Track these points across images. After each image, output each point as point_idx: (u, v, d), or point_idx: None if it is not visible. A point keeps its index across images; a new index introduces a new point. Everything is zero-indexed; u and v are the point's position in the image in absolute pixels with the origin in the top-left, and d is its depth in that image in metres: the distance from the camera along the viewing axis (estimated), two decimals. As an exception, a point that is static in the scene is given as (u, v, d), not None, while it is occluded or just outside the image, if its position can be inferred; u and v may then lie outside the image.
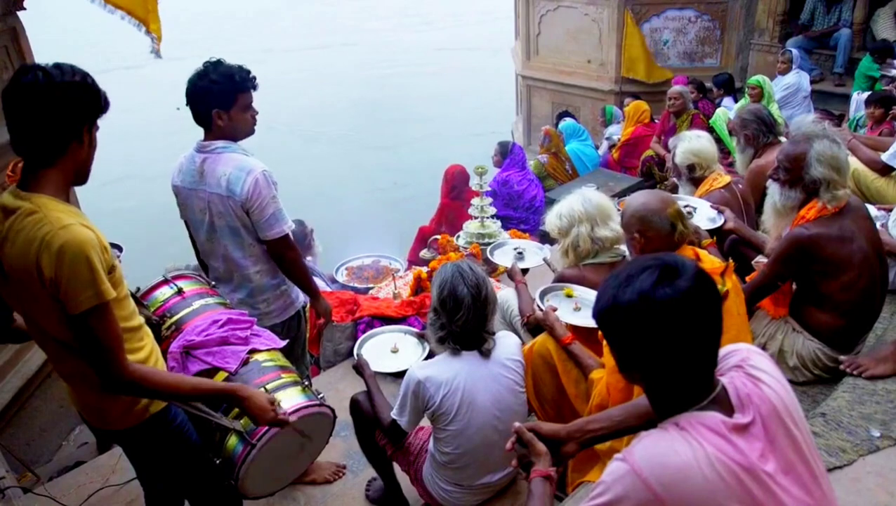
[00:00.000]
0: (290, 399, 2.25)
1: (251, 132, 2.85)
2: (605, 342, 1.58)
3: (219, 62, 2.72)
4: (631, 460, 1.31)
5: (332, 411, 2.40)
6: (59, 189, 1.83)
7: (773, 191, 3.07)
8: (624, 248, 2.87)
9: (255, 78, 2.76)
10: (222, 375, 2.30)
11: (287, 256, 2.88)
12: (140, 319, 2.05)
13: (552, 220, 2.99)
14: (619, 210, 2.92)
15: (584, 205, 2.87)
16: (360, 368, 2.76)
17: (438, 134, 13.86)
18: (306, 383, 2.41)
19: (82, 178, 1.92)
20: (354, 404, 2.72)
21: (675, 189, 4.67)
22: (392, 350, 2.99)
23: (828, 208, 2.83)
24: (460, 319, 2.34)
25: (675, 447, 1.30)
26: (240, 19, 26.10)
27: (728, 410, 1.35)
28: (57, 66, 1.78)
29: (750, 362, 1.43)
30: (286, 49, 21.18)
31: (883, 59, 7.82)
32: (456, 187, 6.60)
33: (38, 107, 1.74)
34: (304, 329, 3.27)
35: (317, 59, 20.40)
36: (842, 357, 2.86)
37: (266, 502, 2.97)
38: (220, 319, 2.44)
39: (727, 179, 3.85)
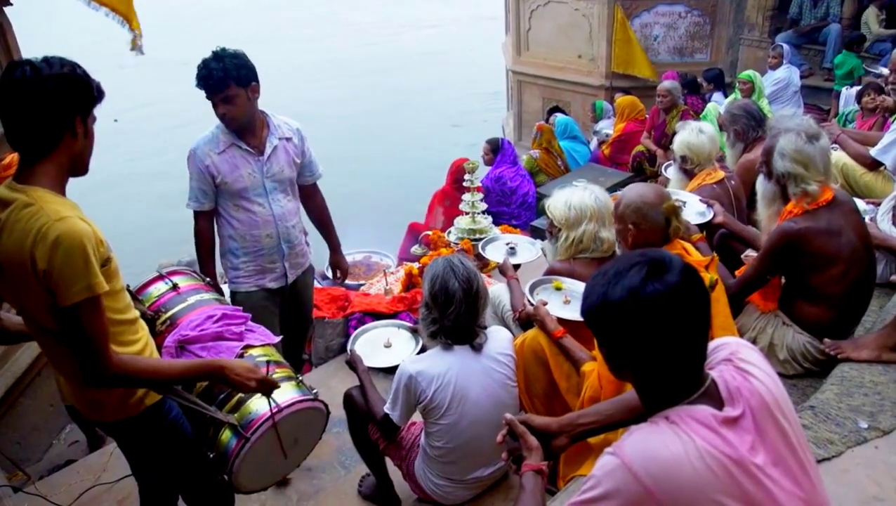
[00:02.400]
0: (284, 394, 2.25)
1: (227, 124, 3.01)
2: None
3: (206, 65, 2.87)
4: (621, 453, 1.31)
5: (326, 406, 2.41)
6: (56, 182, 1.83)
7: (759, 182, 3.10)
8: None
9: (208, 92, 2.91)
10: None
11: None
12: (135, 313, 2.06)
13: (559, 208, 2.89)
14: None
15: (596, 202, 2.82)
16: (353, 364, 2.76)
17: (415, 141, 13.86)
18: (300, 377, 2.41)
19: (80, 169, 1.92)
20: (348, 399, 2.72)
21: (665, 185, 4.68)
22: (385, 345, 2.99)
23: (803, 205, 2.84)
24: (452, 314, 2.34)
25: (665, 441, 1.30)
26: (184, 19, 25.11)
27: (718, 403, 1.35)
28: (45, 59, 1.79)
29: (739, 356, 1.43)
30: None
31: (859, 48, 7.89)
32: (459, 180, 6.62)
33: (28, 101, 1.76)
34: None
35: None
36: (826, 340, 2.88)
37: (259, 499, 2.98)
38: (215, 314, 2.45)
39: (721, 175, 3.86)
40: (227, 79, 2.86)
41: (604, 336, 1.43)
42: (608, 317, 1.37)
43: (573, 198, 2.88)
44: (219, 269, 3.31)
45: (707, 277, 2.51)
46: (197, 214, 3.17)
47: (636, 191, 2.62)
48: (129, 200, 11.37)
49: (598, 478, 1.34)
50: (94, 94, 1.87)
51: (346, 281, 5.24)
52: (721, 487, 1.27)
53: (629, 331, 1.35)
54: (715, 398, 1.36)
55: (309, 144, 3.30)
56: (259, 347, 2.44)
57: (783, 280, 3.08)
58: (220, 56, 2.89)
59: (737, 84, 6.99)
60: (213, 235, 3.24)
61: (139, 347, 2.01)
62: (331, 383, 3.81)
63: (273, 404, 2.17)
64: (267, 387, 2.09)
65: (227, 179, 3.04)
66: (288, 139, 3.17)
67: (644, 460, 1.29)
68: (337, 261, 3.70)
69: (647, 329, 1.33)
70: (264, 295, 3.25)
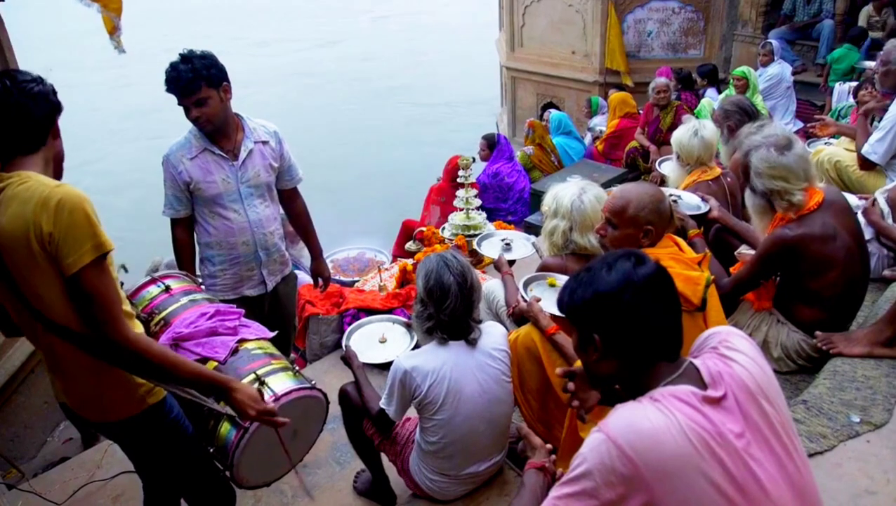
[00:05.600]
0: (281, 384, 2.24)
1: (201, 128, 2.95)
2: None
3: (175, 67, 2.83)
4: (605, 429, 1.35)
5: (325, 394, 2.40)
6: (43, 172, 1.87)
7: (747, 195, 3.07)
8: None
9: (179, 95, 2.86)
10: (212, 364, 2.29)
11: None
12: (130, 309, 2.05)
13: (549, 196, 2.99)
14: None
15: (572, 205, 2.86)
16: (347, 360, 2.76)
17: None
18: (296, 368, 2.41)
19: (59, 170, 1.99)
20: (343, 395, 2.72)
21: (661, 182, 4.70)
22: (380, 341, 2.99)
23: (791, 215, 2.85)
24: (448, 308, 2.34)
25: (647, 415, 1.34)
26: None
27: (701, 386, 1.40)
28: (13, 71, 1.91)
29: (726, 344, 1.48)
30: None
31: (860, 43, 7.90)
32: (455, 176, 6.62)
33: (17, 105, 1.82)
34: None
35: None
36: (817, 332, 2.89)
37: (254, 495, 2.98)
38: (209, 311, 2.45)
39: (717, 171, 3.87)
40: (198, 80, 2.80)
41: (596, 325, 1.50)
42: (604, 304, 1.47)
43: (560, 191, 2.96)
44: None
45: (704, 276, 2.52)
46: (173, 222, 3.11)
47: (641, 191, 2.58)
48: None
49: (584, 455, 1.37)
50: (58, 101, 1.96)
51: (341, 277, 5.26)
52: (702, 460, 1.30)
53: (626, 312, 1.45)
54: (697, 381, 1.41)
55: (288, 147, 3.22)
56: (253, 340, 2.44)
57: (777, 279, 3.08)
58: (189, 57, 2.82)
59: (731, 80, 7.00)
60: (191, 243, 3.17)
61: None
62: (325, 380, 3.80)
63: (270, 394, 2.17)
64: (265, 418, 2.05)
65: (200, 185, 2.97)
66: (264, 143, 3.10)
67: (627, 433, 1.32)
68: (318, 268, 3.61)
69: (642, 307, 1.45)
70: (243, 304, 3.13)
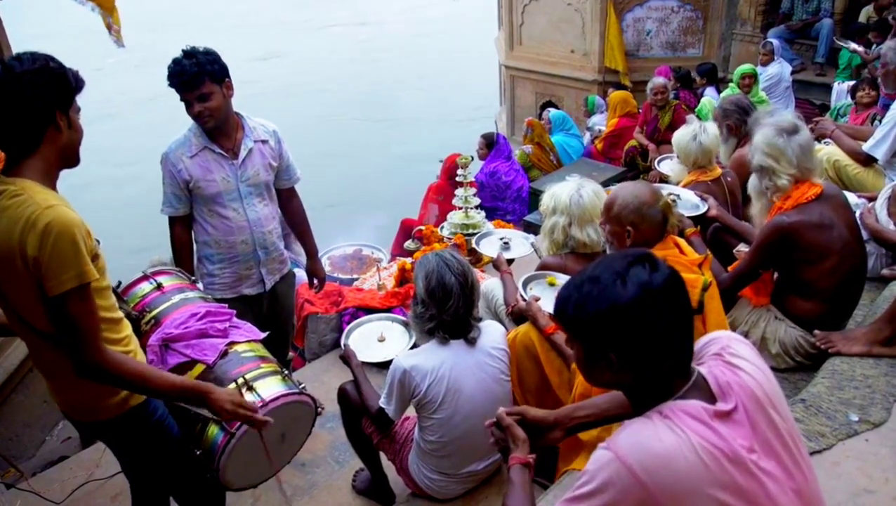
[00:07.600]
0: (270, 388, 2.23)
1: (203, 123, 2.93)
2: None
3: (178, 62, 2.81)
4: (615, 447, 1.31)
5: (314, 400, 2.39)
6: (44, 175, 1.82)
7: (751, 177, 3.12)
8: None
9: (182, 89, 2.84)
10: (200, 367, 2.28)
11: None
12: (120, 313, 2.04)
13: (546, 196, 3.02)
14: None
15: (570, 200, 2.87)
16: (346, 358, 2.76)
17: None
18: (286, 372, 2.40)
19: (71, 161, 1.92)
20: (342, 393, 2.72)
21: (661, 181, 4.69)
22: (379, 339, 2.99)
23: (775, 199, 2.87)
24: (451, 308, 2.34)
25: (659, 434, 1.30)
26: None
27: (709, 397, 1.36)
28: (16, 57, 1.79)
29: (730, 351, 1.44)
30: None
31: (863, 38, 7.91)
32: (453, 175, 6.61)
33: (3, 101, 1.74)
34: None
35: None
36: (816, 331, 2.90)
37: (252, 494, 2.98)
38: (199, 312, 2.43)
39: (717, 172, 3.86)
40: (202, 74, 2.78)
41: (611, 341, 1.38)
42: (622, 316, 1.35)
43: (558, 189, 2.98)
44: None
45: (701, 279, 2.52)
46: (172, 220, 3.08)
47: (630, 191, 2.60)
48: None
49: (591, 473, 1.34)
50: (71, 85, 1.85)
51: (340, 276, 5.25)
52: (714, 480, 1.27)
53: (646, 324, 1.34)
54: (706, 392, 1.37)
55: (286, 146, 3.20)
56: (244, 343, 2.43)
57: (775, 275, 3.09)
58: (192, 53, 2.82)
59: (738, 79, 6.93)
60: (190, 242, 3.15)
61: (124, 345, 2.00)
62: (324, 378, 3.81)
63: (258, 399, 2.16)
64: (242, 414, 2.02)
65: (199, 183, 2.95)
66: (264, 142, 3.08)
67: (638, 454, 1.29)
68: (314, 268, 3.58)
69: (661, 317, 1.35)
70: (241, 302, 3.16)
